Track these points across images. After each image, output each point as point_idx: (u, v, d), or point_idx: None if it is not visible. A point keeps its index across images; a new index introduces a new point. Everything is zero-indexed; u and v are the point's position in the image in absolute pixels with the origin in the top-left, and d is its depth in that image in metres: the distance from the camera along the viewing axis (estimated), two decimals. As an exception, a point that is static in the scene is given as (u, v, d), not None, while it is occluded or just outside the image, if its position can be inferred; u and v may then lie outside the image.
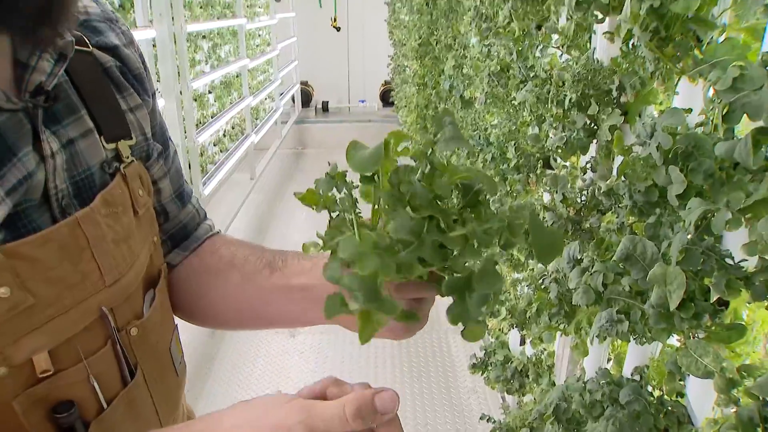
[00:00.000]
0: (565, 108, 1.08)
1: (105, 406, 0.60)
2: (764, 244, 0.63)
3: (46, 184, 0.55)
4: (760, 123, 0.61)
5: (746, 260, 0.70)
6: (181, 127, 2.95)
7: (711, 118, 0.80)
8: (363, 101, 8.40)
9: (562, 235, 1.12)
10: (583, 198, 1.15)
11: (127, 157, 0.66)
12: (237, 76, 4.82)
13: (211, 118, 4.04)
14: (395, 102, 6.95)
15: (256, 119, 5.47)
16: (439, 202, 0.46)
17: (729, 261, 0.70)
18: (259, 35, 6.14)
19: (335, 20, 8.11)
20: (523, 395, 1.79)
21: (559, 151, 1.12)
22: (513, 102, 1.67)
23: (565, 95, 1.07)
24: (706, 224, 0.75)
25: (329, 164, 0.51)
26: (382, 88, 8.14)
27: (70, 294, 0.55)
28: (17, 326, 0.51)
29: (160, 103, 2.71)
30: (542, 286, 1.38)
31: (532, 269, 1.60)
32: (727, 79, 0.58)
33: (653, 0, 0.81)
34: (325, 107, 8.18)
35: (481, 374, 1.97)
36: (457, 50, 2.51)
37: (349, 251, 0.42)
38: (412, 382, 2.92)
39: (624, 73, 0.99)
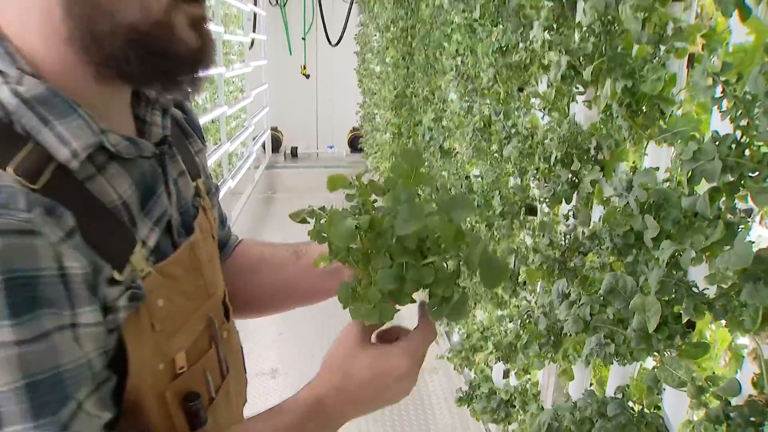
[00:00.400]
0: (551, 164, 1.27)
1: (214, 396, 0.74)
2: (721, 275, 0.80)
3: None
4: (714, 183, 0.80)
5: (707, 288, 0.87)
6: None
7: (675, 176, 0.99)
8: (331, 147, 8.61)
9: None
10: (567, 241, 1.33)
11: (203, 193, 0.82)
12: (213, 122, 4.97)
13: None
14: (364, 148, 7.17)
15: (229, 164, 5.60)
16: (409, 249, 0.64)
17: (695, 290, 0.88)
18: (233, 82, 6.33)
19: (305, 68, 8.37)
20: (509, 423, 1.93)
21: (547, 200, 1.30)
22: (495, 155, 1.87)
23: (551, 153, 1.26)
24: (675, 261, 0.92)
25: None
26: (351, 134, 8.37)
27: (192, 304, 0.70)
28: (169, 329, 0.65)
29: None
30: (530, 321, 1.55)
31: (518, 306, 1.77)
32: (689, 152, 0.77)
33: (627, 81, 1.01)
34: (294, 153, 8.34)
35: (467, 406, 2.11)
36: (436, 104, 2.72)
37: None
38: (392, 421, 3.03)
39: (602, 136, 1.18)
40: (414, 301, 0.70)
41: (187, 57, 0.61)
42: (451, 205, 0.64)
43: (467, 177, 2.36)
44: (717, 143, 0.76)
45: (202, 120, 4.33)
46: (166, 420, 0.66)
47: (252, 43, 6.80)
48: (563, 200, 1.28)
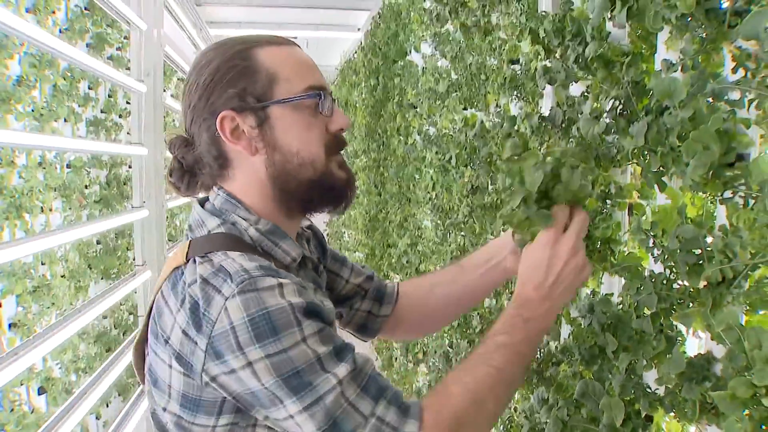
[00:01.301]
0: (526, 289, 1.55)
1: None
2: (666, 377, 1.07)
3: None
4: (654, 310, 1.08)
5: (658, 388, 1.13)
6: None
7: (626, 301, 1.28)
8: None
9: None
10: (542, 354, 1.58)
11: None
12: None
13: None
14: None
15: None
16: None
17: (648, 390, 1.14)
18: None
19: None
20: None
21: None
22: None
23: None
24: (631, 368, 1.19)
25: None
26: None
27: None
28: None
29: (147, 274, 3.02)
30: (512, 425, 1.76)
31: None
32: (633, 288, 1.06)
33: (584, 228, 1.32)
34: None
35: None
36: (411, 230, 3.03)
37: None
38: None
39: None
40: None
41: (342, 186, 0.98)
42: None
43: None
44: (653, 280, 1.05)
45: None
46: None
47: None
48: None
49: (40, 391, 2.76)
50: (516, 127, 1.75)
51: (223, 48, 0.95)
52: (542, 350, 1.61)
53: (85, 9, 3.39)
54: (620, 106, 1.24)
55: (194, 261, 0.85)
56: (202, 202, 0.99)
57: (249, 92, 0.92)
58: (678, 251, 1.01)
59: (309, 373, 0.77)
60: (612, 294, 1.34)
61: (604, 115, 1.25)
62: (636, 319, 1.14)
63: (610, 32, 1.30)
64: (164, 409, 0.88)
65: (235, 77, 0.92)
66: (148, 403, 0.95)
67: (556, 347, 1.53)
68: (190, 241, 0.92)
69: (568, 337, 1.51)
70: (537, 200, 0.95)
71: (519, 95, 1.74)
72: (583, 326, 1.35)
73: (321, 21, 5.32)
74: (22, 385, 2.37)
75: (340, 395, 0.78)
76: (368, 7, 4.59)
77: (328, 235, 7.45)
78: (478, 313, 2.02)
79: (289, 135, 0.93)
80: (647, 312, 1.09)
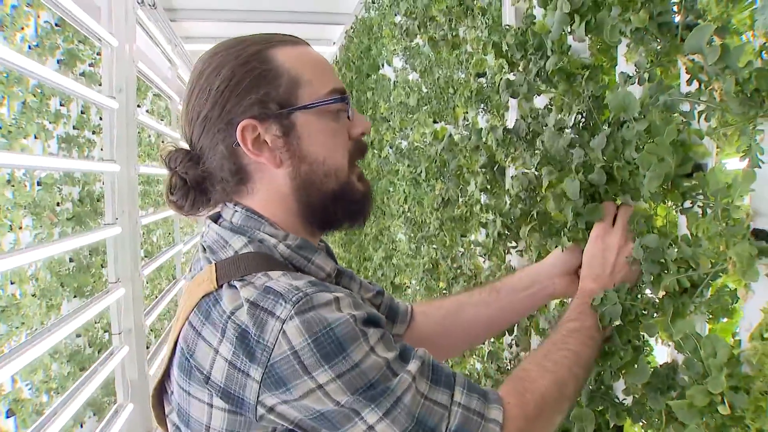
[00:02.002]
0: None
1: None
2: (634, 387, 1.07)
3: None
4: (619, 321, 1.09)
5: (626, 399, 1.14)
6: (135, 311, 3.18)
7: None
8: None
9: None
10: (512, 366, 1.58)
11: None
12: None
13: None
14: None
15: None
16: None
17: (616, 400, 1.14)
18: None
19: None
20: None
21: (494, 331, 1.57)
22: (444, 292, 2.15)
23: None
24: (600, 378, 1.19)
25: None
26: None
27: None
28: None
29: (121, 291, 2.97)
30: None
31: None
32: (598, 299, 1.06)
33: (551, 239, 1.33)
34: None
35: None
36: (386, 244, 3.03)
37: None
38: None
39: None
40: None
41: (362, 198, 0.92)
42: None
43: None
44: (617, 291, 1.05)
45: (166, 257, 4.50)
46: None
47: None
48: (506, 332, 1.55)
49: (9, 413, 2.69)
50: (483, 140, 1.76)
51: (234, 50, 0.85)
52: (513, 361, 1.62)
53: (56, 25, 3.36)
54: (582, 120, 1.25)
55: (231, 285, 0.77)
56: (215, 219, 0.91)
57: (271, 98, 0.83)
58: (642, 261, 1.01)
59: (384, 381, 0.72)
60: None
61: (568, 129, 1.27)
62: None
63: (570, 46, 1.32)
64: None
65: (253, 82, 0.83)
66: None
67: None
68: (216, 264, 0.81)
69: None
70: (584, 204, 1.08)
71: (486, 108, 1.76)
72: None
73: (297, 35, 5.33)
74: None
75: (415, 392, 0.73)
76: (342, 21, 4.61)
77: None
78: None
79: (315, 143, 0.86)
80: (614, 323, 1.09)
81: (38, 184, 2.79)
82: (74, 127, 3.27)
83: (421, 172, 2.14)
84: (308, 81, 0.86)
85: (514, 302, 1.18)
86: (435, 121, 2.29)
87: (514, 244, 1.50)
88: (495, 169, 1.64)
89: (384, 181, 3.14)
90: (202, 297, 0.78)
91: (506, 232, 1.47)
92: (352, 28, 4.22)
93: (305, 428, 0.75)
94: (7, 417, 2.69)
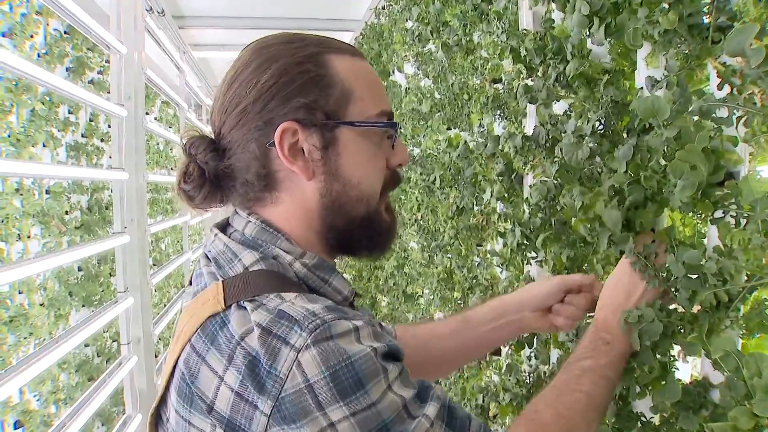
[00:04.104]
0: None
1: None
2: (663, 405, 1.02)
3: None
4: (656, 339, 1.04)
5: (653, 417, 1.09)
6: (144, 320, 3.16)
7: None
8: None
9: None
10: (531, 379, 1.54)
11: None
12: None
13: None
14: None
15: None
16: None
17: (643, 419, 1.09)
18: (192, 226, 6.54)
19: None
20: None
21: (511, 345, 1.52)
22: (459, 302, 2.11)
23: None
24: (625, 395, 1.14)
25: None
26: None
27: None
28: None
29: (130, 301, 2.95)
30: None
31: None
32: (635, 316, 1.02)
33: (570, 250, 1.28)
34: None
35: None
36: (398, 252, 2.99)
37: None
38: None
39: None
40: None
41: (387, 231, 0.86)
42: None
43: (431, 318, 2.58)
44: (652, 307, 1.01)
45: (175, 265, 4.47)
46: None
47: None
48: (525, 345, 1.50)
49: (17, 425, 2.66)
50: (500, 147, 1.72)
51: (290, 47, 0.79)
52: (532, 374, 1.57)
53: (65, 33, 3.35)
54: (601, 128, 1.21)
55: (240, 306, 0.70)
56: (223, 228, 0.84)
57: (320, 106, 0.77)
58: (679, 278, 0.97)
59: (398, 423, 0.65)
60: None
61: (586, 138, 1.22)
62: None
63: (591, 50, 1.28)
64: None
65: (304, 85, 0.77)
66: None
67: (545, 373, 1.49)
68: (223, 281, 0.74)
69: (556, 361, 1.46)
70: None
71: (503, 114, 1.72)
72: (571, 350, 1.30)
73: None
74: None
75: None
76: (351, 28, 4.58)
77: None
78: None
79: (353, 163, 0.80)
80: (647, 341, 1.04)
81: (47, 192, 2.77)
82: (83, 135, 3.26)
83: (434, 179, 2.10)
84: (360, 97, 0.80)
85: (481, 335, 1.14)
86: (449, 128, 2.25)
87: (534, 254, 1.46)
88: (513, 177, 1.59)
89: (396, 189, 3.10)
90: (207, 318, 0.71)
91: (525, 242, 1.42)
92: (361, 34, 4.19)
93: None
94: (15, 429, 2.66)
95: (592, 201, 1.06)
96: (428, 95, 2.42)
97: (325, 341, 0.65)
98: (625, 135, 1.18)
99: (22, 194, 2.50)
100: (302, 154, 0.78)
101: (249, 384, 0.65)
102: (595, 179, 1.26)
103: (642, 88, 1.11)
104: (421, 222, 2.47)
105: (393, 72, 3.31)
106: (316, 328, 0.65)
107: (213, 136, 0.83)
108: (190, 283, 0.85)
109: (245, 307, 0.69)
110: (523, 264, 1.69)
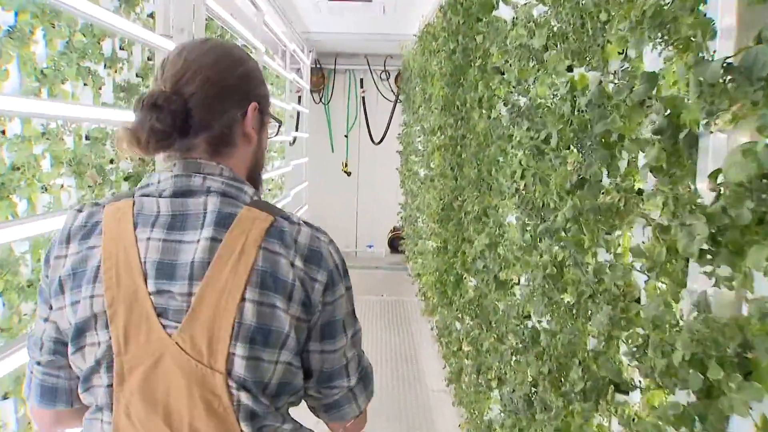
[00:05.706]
0: (671, 360, 0.93)
1: None
2: None
3: None
4: None
5: None
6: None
7: None
8: (371, 246, 8.36)
9: None
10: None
11: None
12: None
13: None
14: (405, 251, 6.88)
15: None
16: None
17: None
18: (273, 180, 6.19)
19: (346, 165, 8.29)
20: None
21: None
22: (570, 308, 1.52)
23: (672, 348, 0.92)
24: None
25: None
26: (391, 234, 8.13)
27: None
28: None
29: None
30: None
31: None
32: None
33: None
34: (332, 251, 8.13)
35: None
36: (491, 228, 2.41)
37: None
38: None
39: (756, 333, 0.83)
40: None
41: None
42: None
43: (527, 317, 2.01)
44: None
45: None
46: None
47: (293, 141, 6.73)
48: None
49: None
50: (656, 89, 1.11)
51: (236, 52, 1.10)
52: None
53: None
54: None
55: (285, 218, 0.99)
56: (197, 172, 1.03)
57: (266, 98, 1.13)
58: None
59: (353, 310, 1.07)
60: None
61: None
62: None
63: None
64: (276, 363, 0.94)
65: (263, 83, 1.13)
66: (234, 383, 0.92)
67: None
68: (256, 205, 1.00)
69: None
70: None
71: (667, 38, 1.09)
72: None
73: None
74: (6, 398, 1.97)
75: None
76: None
77: (402, 218, 6.91)
78: (579, 363, 1.40)
79: (263, 140, 1.14)
80: None
81: (86, 138, 2.42)
82: (137, 75, 2.88)
83: (547, 137, 1.50)
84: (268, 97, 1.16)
85: None
86: (569, 69, 1.63)
87: (720, 267, 0.86)
88: (684, 136, 0.98)
89: (493, 149, 2.49)
90: (266, 228, 0.96)
91: (710, 246, 0.83)
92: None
93: (320, 333, 1.00)
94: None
95: None
96: (543, 24, 1.79)
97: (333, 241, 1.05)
98: None
99: (48, 138, 2.14)
100: (252, 128, 1.09)
101: (313, 265, 0.98)
102: None
103: None
104: (525, 193, 1.88)
105: (497, 4, 2.67)
106: (325, 233, 1.04)
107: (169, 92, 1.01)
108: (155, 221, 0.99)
109: (285, 218, 1.00)
110: (684, 275, 1.08)
